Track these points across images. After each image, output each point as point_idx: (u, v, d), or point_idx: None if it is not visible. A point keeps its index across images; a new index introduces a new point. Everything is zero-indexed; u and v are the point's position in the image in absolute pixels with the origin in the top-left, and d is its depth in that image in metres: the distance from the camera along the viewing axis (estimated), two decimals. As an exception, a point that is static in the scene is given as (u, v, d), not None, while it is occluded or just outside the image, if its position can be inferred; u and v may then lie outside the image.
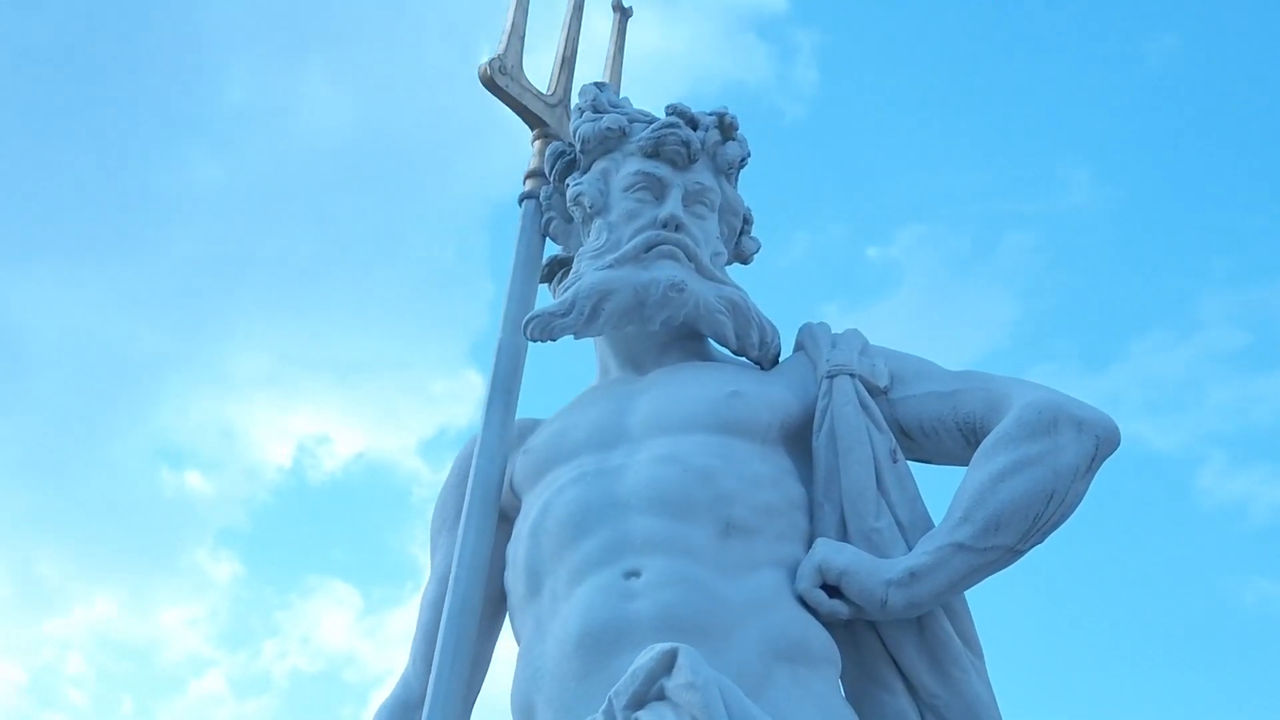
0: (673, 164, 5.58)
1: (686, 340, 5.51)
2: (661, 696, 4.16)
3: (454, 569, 5.17)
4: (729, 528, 4.71)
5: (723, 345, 5.50)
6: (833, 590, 4.69)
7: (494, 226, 20.17)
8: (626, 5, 7.01)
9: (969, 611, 4.93)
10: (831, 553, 4.71)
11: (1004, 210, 19.34)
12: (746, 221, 5.93)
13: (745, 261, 5.97)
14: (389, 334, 19.93)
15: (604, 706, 4.23)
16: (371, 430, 20.88)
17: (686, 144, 5.57)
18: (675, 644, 4.20)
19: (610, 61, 6.85)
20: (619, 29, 6.95)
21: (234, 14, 18.65)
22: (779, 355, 5.53)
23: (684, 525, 4.69)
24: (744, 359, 5.51)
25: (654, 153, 5.58)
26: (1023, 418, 4.81)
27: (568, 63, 6.53)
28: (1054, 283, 18.97)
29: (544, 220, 5.97)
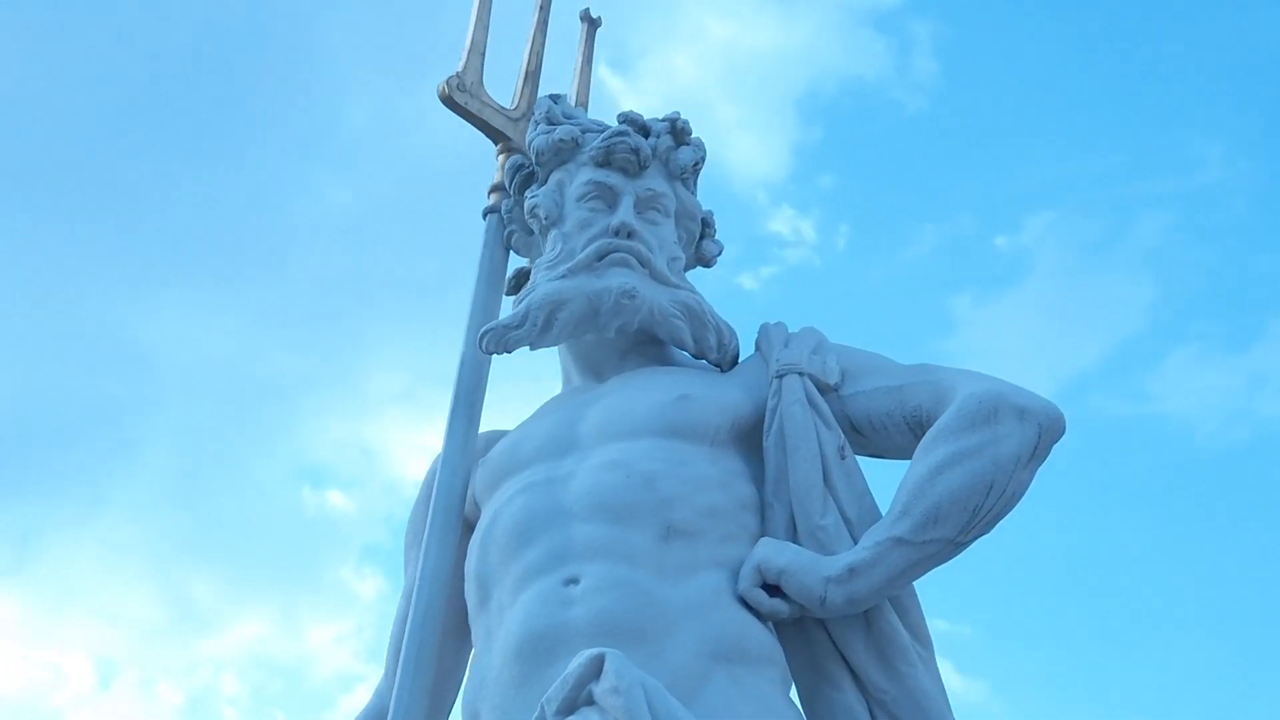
0: (624, 172, 5.62)
1: (646, 346, 5.54)
2: (591, 701, 4.19)
3: (416, 582, 5.25)
4: (670, 531, 4.73)
5: (682, 349, 5.52)
6: (775, 589, 4.69)
7: None
8: (595, 16, 7.05)
9: (919, 604, 4.92)
10: (771, 552, 4.72)
11: (1136, 191, 19.13)
12: (707, 225, 5.95)
13: (708, 265, 6.00)
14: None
15: (536, 713, 4.27)
16: None
17: (636, 151, 5.61)
18: (603, 649, 4.23)
19: (579, 72, 6.89)
20: (587, 39, 6.99)
21: (352, 37, 18.96)
22: (738, 356, 5.54)
23: (624, 530, 4.72)
24: (704, 362, 5.53)
25: (605, 161, 5.63)
26: (963, 409, 4.79)
27: (531, 76, 6.59)
28: (1191, 263, 18.76)
29: (505, 233, 6.03)
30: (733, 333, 5.54)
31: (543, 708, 4.26)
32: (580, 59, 6.93)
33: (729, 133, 21.79)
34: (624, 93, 21.93)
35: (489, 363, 5.79)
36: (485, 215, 6.17)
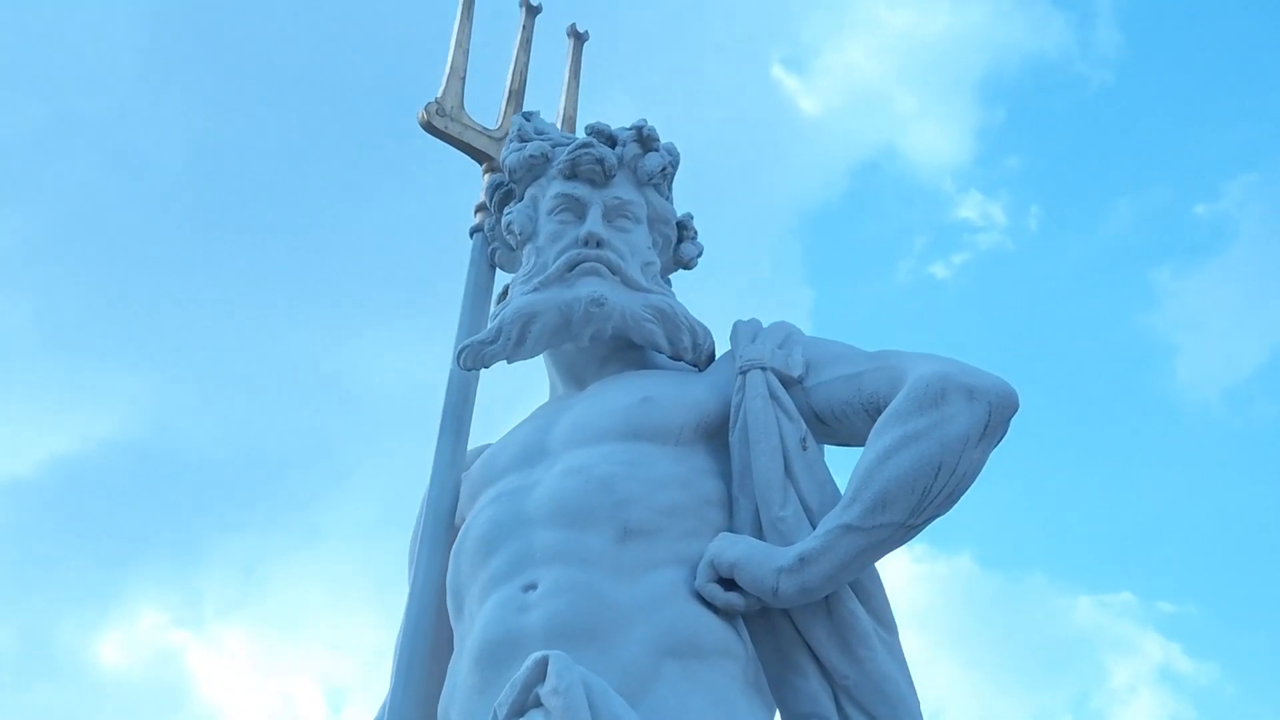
0: (591, 182, 5.71)
1: (625, 351, 5.61)
2: (539, 704, 4.28)
3: (408, 597, 5.39)
4: (627, 532, 4.81)
5: (658, 351, 5.59)
6: (732, 583, 4.73)
7: (807, 232, 21.16)
8: (582, 30, 7.15)
9: (882, 588, 4.94)
10: (724, 546, 4.77)
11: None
12: (684, 228, 6.01)
13: (688, 267, 6.06)
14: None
15: (489, 717, 4.37)
16: None
17: (601, 161, 5.69)
18: (547, 651, 4.33)
19: (566, 87, 7.00)
20: (574, 54, 7.10)
21: (531, 63, 19.14)
22: (714, 355, 5.59)
23: (581, 534, 4.81)
24: (683, 363, 5.59)
25: (572, 174, 5.73)
26: (911, 392, 4.79)
27: (515, 95, 6.72)
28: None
29: (489, 251, 6.15)
30: (707, 332, 5.60)
31: (495, 712, 4.37)
32: (568, 74, 7.03)
33: (910, 122, 21.85)
34: (801, 93, 22.09)
35: (476, 379, 5.91)
36: (471, 234, 6.30)
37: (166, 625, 20.14)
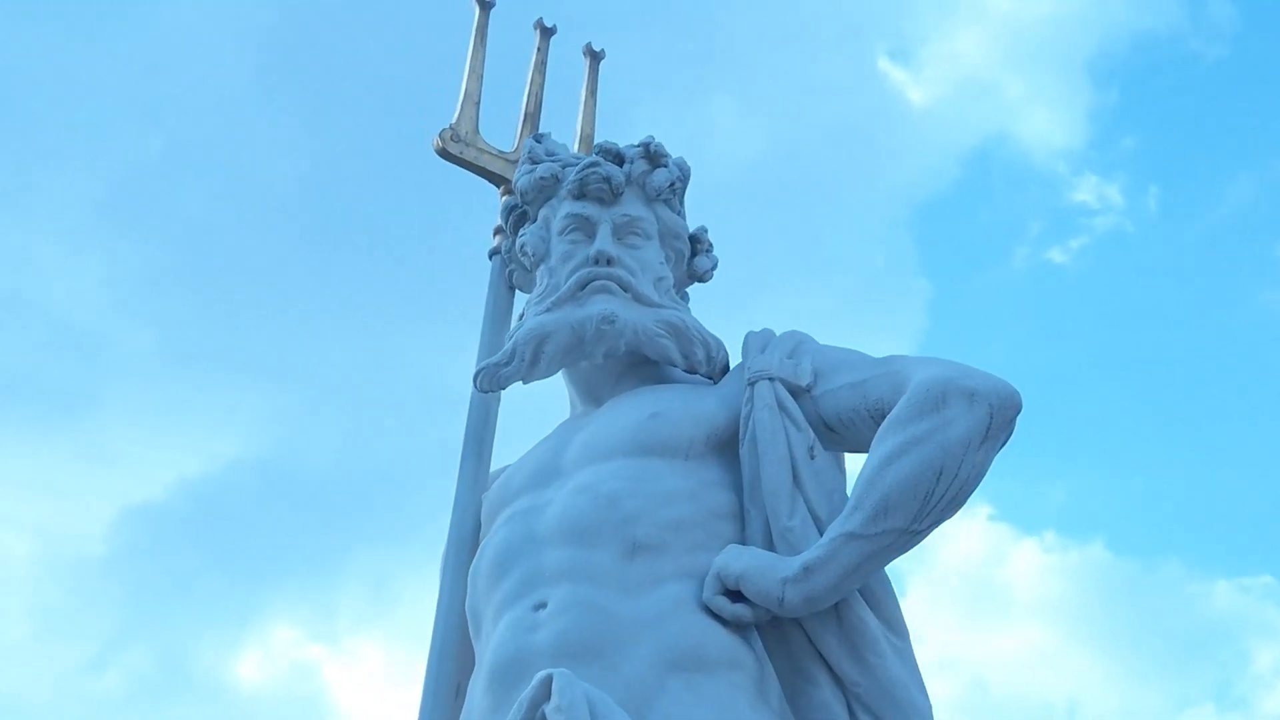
0: (600, 201, 5.75)
1: (640, 367, 5.64)
2: None
3: (434, 620, 5.46)
4: (635, 548, 4.84)
5: (673, 365, 5.61)
6: (740, 594, 4.74)
7: (920, 225, 21.19)
8: (597, 49, 7.19)
9: (893, 593, 4.95)
10: (730, 559, 4.78)
11: None
12: (697, 241, 6.03)
13: (703, 280, 6.08)
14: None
15: None
16: None
17: (608, 180, 5.73)
18: (552, 669, 4.36)
19: (583, 106, 7.05)
20: (590, 73, 7.15)
21: (636, 60, 19.32)
22: (728, 367, 5.61)
23: (589, 551, 4.84)
24: (698, 376, 5.61)
25: (581, 194, 5.77)
26: (911, 398, 4.78)
27: (530, 118, 6.79)
28: None
29: (507, 273, 6.22)
30: (720, 344, 5.62)
31: None
32: (585, 93, 7.08)
33: (1020, 107, 21.84)
34: (909, 84, 22.07)
35: (497, 401, 5.98)
36: (490, 256, 6.36)
37: (301, 640, 20.66)
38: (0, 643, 18.79)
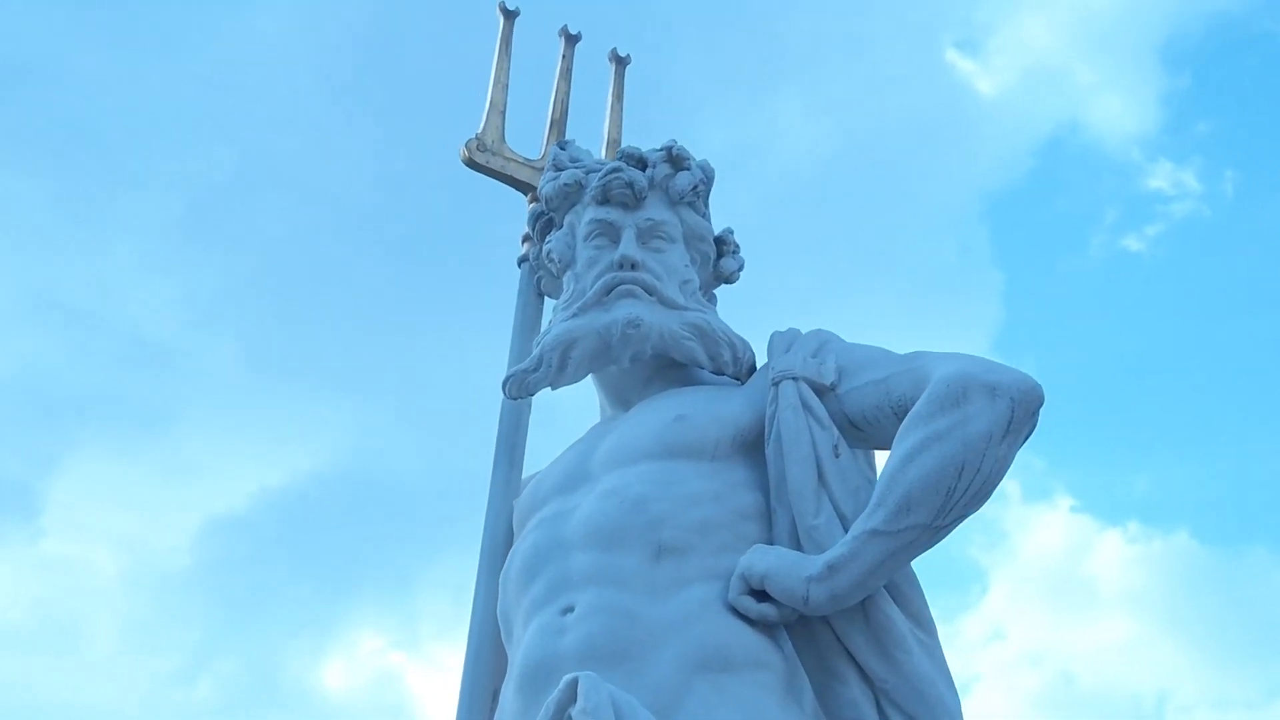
0: (624, 206, 5.79)
1: (668, 370, 5.68)
2: None
3: (469, 626, 5.52)
4: (661, 550, 4.87)
5: (700, 367, 5.64)
6: (765, 594, 4.76)
7: (993, 217, 21.13)
8: (623, 55, 7.23)
9: (919, 589, 4.95)
10: (755, 559, 4.80)
11: None
12: (723, 243, 6.06)
13: (729, 281, 6.10)
14: (904, 342, 20.20)
15: None
16: None
17: (630, 184, 5.77)
18: (578, 673, 4.41)
19: (609, 111, 7.09)
20: (617, 78, 7.18)
21: (702, 62, 19.57)
22: (754, 367, 5.63)
23: (615, 555, 4.88)
24: (725, 377, 5.64)
25: (604, 199, 5.81)
26: (932, 394, 4.78)
27: (556, 125, 6.83)
28: None
29: (536, 280, 6.27)
30: (746, 345, 5.65)
31: None
32: (611, 98, 7.11)
33: (1092, 94, 21.71)
34: (978, 74, 21.99)
35: (528, 407, 6.03)
36: (519, 264, 6.42)
37: (385, 648, 20.88)
38: (91, 656, 19.18)
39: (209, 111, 18.18)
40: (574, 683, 4.39)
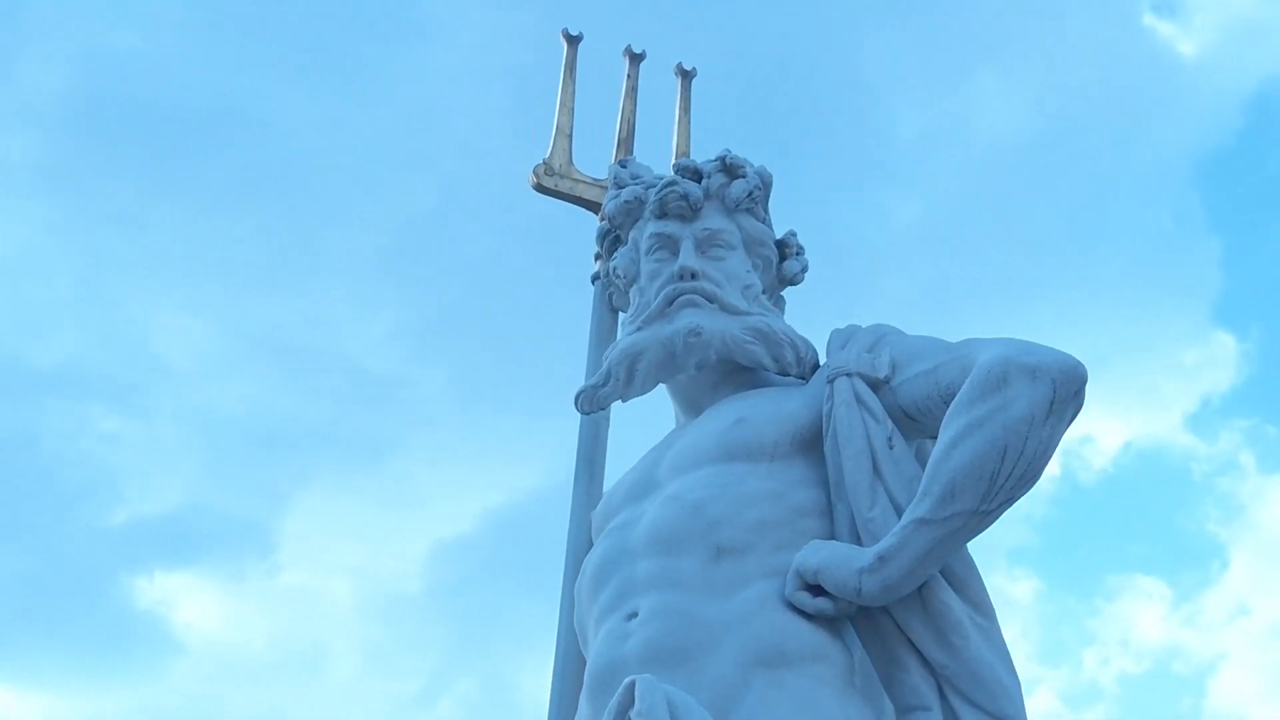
0: (681, 218, 5.94)
1: (736, 374, 5.80)
2: None
3: (556, 636, 5.72)
4: (719, 551, 4.99)
5: (765, 370, 5.75)
6: (821, 589, 4.85)
7: (1205, 180, 20.91)
8: (689, 68, 7.37)
9: (977, 574, 4.97)
10: (808, 554, 4.89)
11: None
12: (785, 246, 6.15)
13: (794, 283, 6.19)
14: (1122, 316, 20.20)
15: None
16: (1132, 417, 21.13)
17: (686, 197, 5.92)
18: (635, 675, 4.55)
19: (677, 124, 7.24)
20: (683, 92, 7.33)
21: (894, 50, 19.70)
22: (817, 365, 5.72)
23: (675, 559, 5.01)
24: (791, 378, 5.74)
25: (662, 213, 5.98)
26: (974, 380, 4.81)
27: (624, 144, 7.01)
28: None
29: (608, 295, 6.45)
30: (808, 345, 5.74)
31: None
32: (678, 112, 7.26)
33: None
34: (1178, 36, 21.58)
35: (606, 421, 6.21)
36: (592, 281, 6.60)
37: None
38: (334, 683, 19.84)
39: (407, 145, 18.73)
40: (631, 685, 4.53)
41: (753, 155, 6.21)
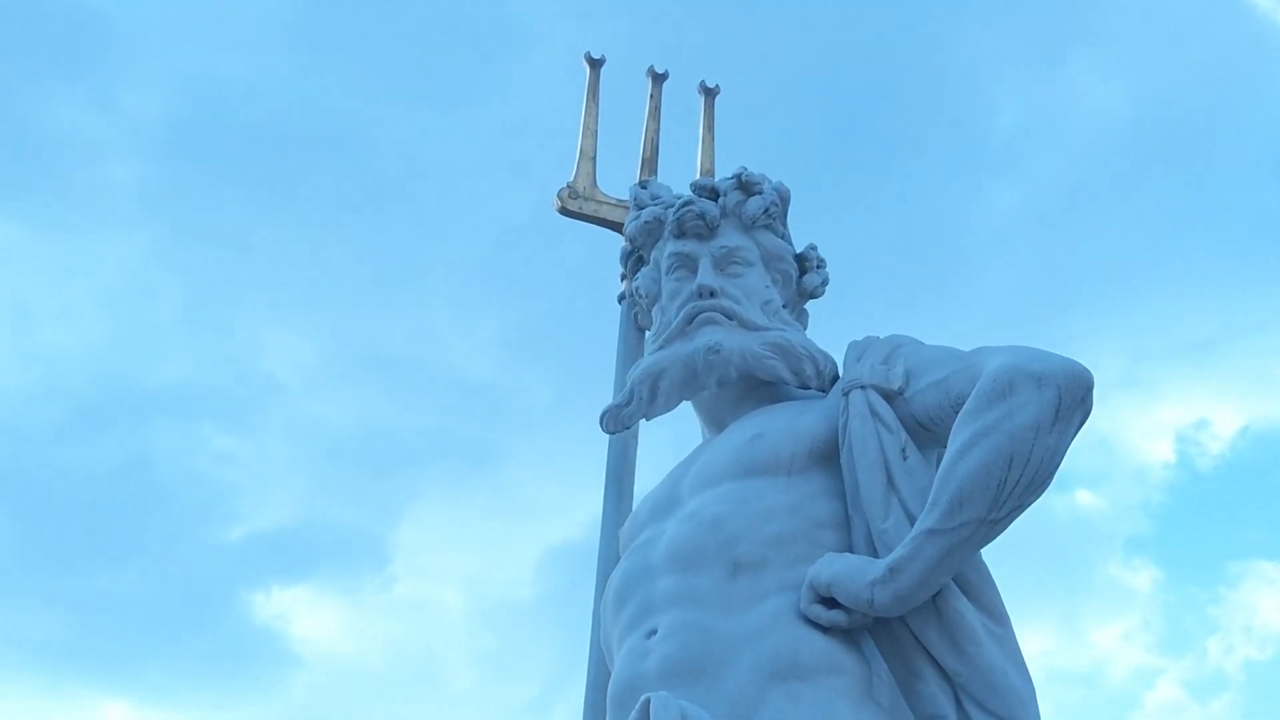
0: (699, 237, 6.01)
1: (759, 389, 5.85)
2: None
3: (588, 656, 5.81)
4: (736, 567, 5.03)
5: (786, 384, 5.80)
6: (835, 601, 4.88)
7: None
8: (712, 86, 7.44)
9: (991, 581, 4.98)
10: (821, 567, 4.92)
11: None
12: (805, 259, 6.19)
13: (815, 296, 6.23)
14: (1233, 299, 20.10)
15: None
16: (1249, 401, 21.13)
17: (702, 216, 5.99)
18: (650, 693, 4.62)
19: (701, 142, 7.31)
20: (707, 110, 7.39)
21: (989, 37, 19.83)
22: (837, 378, 5.75)
23: (694, 576, 5.07)
24: (812, 390, 5.78)
25: (680, 232, 6.05)
26: (980, 390, 4.83)
27: (648, 164, 7.09)
28: None
29: (633, 315, 6.54)
30: (827, 358, 5.77)
31: None
32: (702, 129, 7.33)
33: None
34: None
35: (635, 439, 6.30)
36: (619, 301, 6.69)
37: None
38: (451, 692, 20.34)
39: (504, 156, 19.07)
40: (648, 703, 4.60)
41: (783, 166, 6.26)
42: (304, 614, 21.41)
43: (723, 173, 6.94)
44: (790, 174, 6.34)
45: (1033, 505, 4.80)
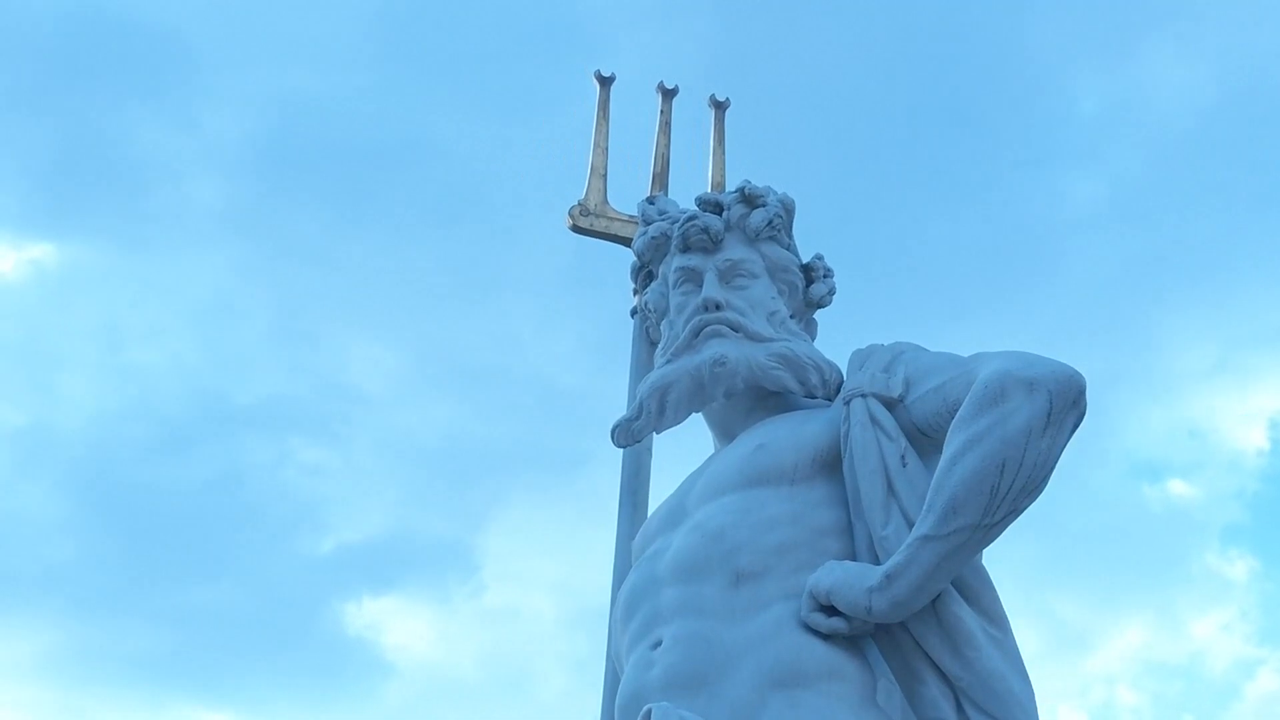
0: (704, 251, 6.09)
1: (768, 399, 5.91)
2: None
3: (604, 669, 5.90)
4: (739, 577, 5.10)
5: (793, 394, 5.87)
6: (835, 609, 4.94)
7: None
8: (722, 99, 7.51)
9: (990, 585, 5.03)
10: (821, 575, 4.98)
11: None
12: (811, 270, 6.26)
13: (822, 305, 6.30)
14: None
15: None
16: None
17: (706, 230, 6.07)
18: (651, 704, 4.70)
19: (713, 155, 7.39)
20: (717, 123, 7.47)
21: (1066, 26, 19.67)
22: (842, 386, 5.81)
23: (698, 586, 5.14)
24: (819, 400, 5.84)
25: (685, 247, 6.14)
26: (973, 396, 4.87)
27: (659, 179, 7.17)
28: None
29: (645, 329, 6.63)
30: (833, 367, 5.83)
31: None
32: (713, 143, 7.41)
33: None
34: None
35: (648, 452, 6.39)
36: (632, 315, 6.78)
37: None
38: (543, 699, 20.36)
39: (580, 162, 19.11)
40: (648, 714, 4.68)
41: (795, 176, 6.34)
42: (395, 624, 21.72)
43: (734, 186, 7.03)
44: (802, 184, 6.42)
45: (1027, 509, 4.83)
